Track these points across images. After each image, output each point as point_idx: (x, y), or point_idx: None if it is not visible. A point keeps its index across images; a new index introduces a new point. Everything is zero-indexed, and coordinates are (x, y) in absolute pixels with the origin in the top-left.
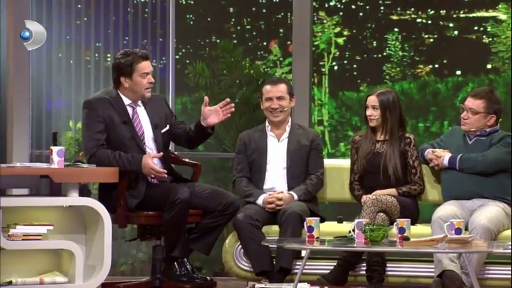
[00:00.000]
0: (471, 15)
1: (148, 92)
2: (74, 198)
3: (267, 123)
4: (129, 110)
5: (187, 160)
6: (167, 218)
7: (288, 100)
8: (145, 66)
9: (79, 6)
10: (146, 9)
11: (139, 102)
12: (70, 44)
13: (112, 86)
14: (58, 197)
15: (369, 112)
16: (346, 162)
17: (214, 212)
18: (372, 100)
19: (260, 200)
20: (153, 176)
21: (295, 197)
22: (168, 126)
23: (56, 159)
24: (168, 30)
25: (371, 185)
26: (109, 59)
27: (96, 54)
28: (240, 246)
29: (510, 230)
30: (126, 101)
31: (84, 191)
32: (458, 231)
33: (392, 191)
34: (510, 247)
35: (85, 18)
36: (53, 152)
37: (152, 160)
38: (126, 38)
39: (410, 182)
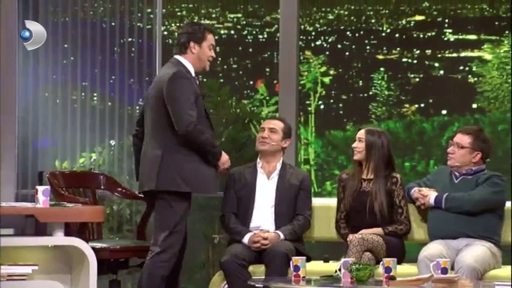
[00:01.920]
0: (456, 55)
1: (208, 67)
2: (59, 238)
3: (258, 160)
4: (196, 80)
5: (138, 194)
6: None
7: (280, 136)
8: (212, 39)
9: (65, 45)
10: (133, 49)
11: None
12: (56, 83)
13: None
14: (43, 237)
15: (354, 144)
16: (332, 202)
17: None
18: (360, 133)
19: (246, 239)
20: (226, 167)
21: (282, 236)
22: None
23: (41, 199)
24: (154, 69)
25: (357, 224)
26: (95, 99)
27: (83, 94)
28: (227, 286)
29: (496, 270)
30: (193, 72)
31: None
32: (444, 270)
33: (379, 230)
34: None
35: (71, 58)
36: (38, 192)
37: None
38: (113, 77)
39: (397, 222)
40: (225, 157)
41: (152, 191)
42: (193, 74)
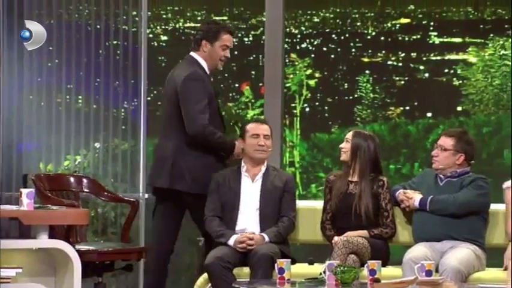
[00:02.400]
0: (441, 58)
1: (221, 65)
2: (43, 241)
3: (242, 163)
4: (210, 79)
5: (122, 196)
6: None
7: (271, 141)
8: (228, 39)
9: (50, 48)
10: (118, 51)
11: None
12: (41, 86)
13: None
14: (27, 240)
15: (342, 144)
16: (317, 204)
17: None
18: (348, 134)
19: (231, 241)
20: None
21: (266, 238)
22: None
23: (26, 202)
24: (139, 72)
25: (343, 226)
26: (80, 101)
27: (68, 96)
28: None
29: (480, 272)
30: (207, 69)
31: None
32: (428, 273)
33: (364, 232)
34: None
35: (56, 60)
36: (23, 194)
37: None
38: (98, 79)
39: (382, 225)
40: (238, 149)
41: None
42: (208, 72)
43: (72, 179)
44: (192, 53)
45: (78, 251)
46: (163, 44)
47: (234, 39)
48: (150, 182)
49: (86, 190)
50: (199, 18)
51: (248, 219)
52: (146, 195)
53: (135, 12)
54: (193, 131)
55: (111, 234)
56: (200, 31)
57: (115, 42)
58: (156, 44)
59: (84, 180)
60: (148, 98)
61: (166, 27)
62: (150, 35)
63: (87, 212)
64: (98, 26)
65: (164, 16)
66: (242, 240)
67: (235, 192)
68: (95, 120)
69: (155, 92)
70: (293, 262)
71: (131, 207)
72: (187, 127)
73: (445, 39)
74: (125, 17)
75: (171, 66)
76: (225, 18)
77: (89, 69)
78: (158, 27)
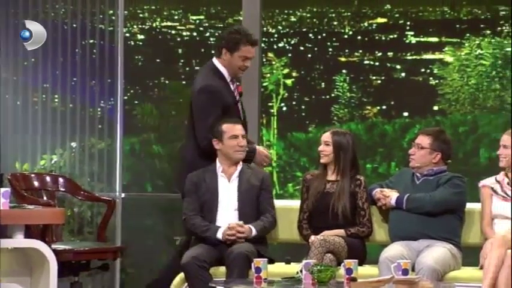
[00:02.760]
0: (418, 57)
1: (241, 74)
2: (19, 240)
3: (218, 164)
4: (233, 86)
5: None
6: None
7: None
8: (248, 51)
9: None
10: (94, 50)
11: None
12: (17, 85)
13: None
14: (3, 239)
15: (321, 148)
16: (294, 203)
17: None
18: (326, 136)
19: (220, 234)
20: (264, 164)
21: (254, 231)
22: None
23: (1, 201)
24: (116, 71)
25: (320, 225)
26: (56, 101)
27: (44, 95)
28: None
29: (456, 271)
30: (227, 76)
31: None
32: (405, 272)
33: (341, 231)
34: None
35: (32, 59)
36: None
37: (263, 148)
38: (74, 79)
39: (359, 224)
40: (259, 157)
41: None
42: (228, 78)
43: (48, 178)
44: (214, 59)
45: (54, 250)
46: (140, 43)
47: (211, 39)
48: (178, 188)
49: (62, 189)
50: (176, 17)
51: (228, 220)
52: (123, 195)
53: (111, 11)
54: (202, 147)
55: (88, 234)
56: (222, 39)
57: (91, 41)
58: (132, 43)
59: (61, 180)
60: (125, 97)
61: (143, 26)
62: (127, 34)
63: (63, 211)
64: (74, 25)
65: (141, 15)
66: (231, 233)
67: (212, 192)
68: (71, 120)
69: (132, 91)
70: (271, 262)
71: (107, 206)
72: (198, 141)
73: (422, 39)
74: (101, 16)
75: (147, 65)
76: (202, 17)
77: (65, 68)
78: (135, 26)
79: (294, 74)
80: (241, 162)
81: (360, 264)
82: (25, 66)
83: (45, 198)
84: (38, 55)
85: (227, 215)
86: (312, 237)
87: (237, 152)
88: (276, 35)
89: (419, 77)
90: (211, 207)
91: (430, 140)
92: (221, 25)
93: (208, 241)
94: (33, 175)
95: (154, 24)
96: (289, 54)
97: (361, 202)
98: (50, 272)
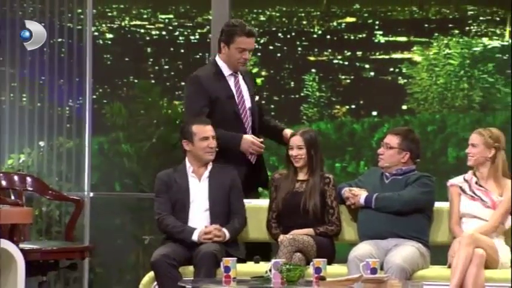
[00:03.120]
0: (387, 56)
1: (241, 66)
2: None
3: (188, 164)
4: (231, 80)
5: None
6: None
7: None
8: (243, 42)
9: None
10: (63, 49)
11: (240, 71)
12: None
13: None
14: None
15: (294, 152)
16: (263, 203)
17: None
18: (297, 140)
19: (195, 236)
20: (251, 151)
21: (227, 236)
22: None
23: None
24: (85, 70)
25: (289, 225)
26: (25, 99)
27: (12, 95)
28: (157, 287)
29: (424, 270)
30: (226, 71)
31: None
32: (373, 270)
33: (310, 230)
34: (424, 287)
35: (0, 58)
36: None
37: (252, 136)
38: (43, 77)
39: (328, 222)
40: (245, 144)
41: None
42: (227, 73)
43: (16, 178)
44: (216, 55)
45: (22, 250)
46: (109, 42)
47: (180, 38)
48: None
49: (30, 189)
50: (144, 16)
51: (199, 220)
52: (91, 194)
53: (80, 10)
54: None
55: (56, 233)
56: (220, 32)
57: (60, 40)
58: (101, 42)
59: (29, 179)
60: (94, 96)
61: (112, 25)
62: (95, 33)
63: (31, 210)
64: (43, 24)
65: (109, 14)
66: (208, 231)
67: (184, 193)
68: (39, 119)
69: (100, 90)
70: (243, 261)
71: (76, 205)
72: None
73: (390, 38)
74: (69, 15)
75: (116, 64)
76: (171, 16)
77: (33, 67)
78: (103, 25)
79: (263, 73)
80: (211, 162)
81: (329, 263)
82: None
83: (12, 197)
84: (6, 54)
85: (199, 215)
86: (281, 237)
87: (207, 153)
88: None
89: (388, 77)
90: (182, 207)
91: (398, 139)
92: (190, 24)
93: (180, 240)
94: (0, 174)
95: (123, 23)
96: (259, 54)
97: (330, 200)
98: (18, 271)
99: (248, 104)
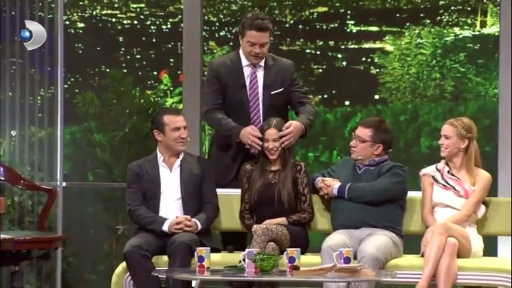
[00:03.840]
0: (359, 46)
1: (254, 60)
2: None
3: (159, 154)
4: (247, 71)
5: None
6: None
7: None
8: (251, 35)
9: None
10: None
11: (262, 63)
12: None
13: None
14: None
15: (270, 145)
16: (235, 192)
17: None
18: (273, 134)
19: (166, 226)
20: (250, 142)
21: (199, 226)
22: (282, 88)
23: None
24: (56, 59)
25: (264, 215)
26: None
27: None
28: (130, 277)
29: (397, 259)
30: (244, 61)
31: None
32: (347, 260)
33: (283, 220)
34: (397, 276)
35: None
36: None
37: (253, 128)
38: (14, 67)
39: (300, 210)
40: (244, 136)
41: None
42: (244, 64)
43: None
44: None
45: None
46: (80, 31)
47: (152, 27)
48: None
49: (2, 178)
50: (116, 5)
51: (171, 210)
52: (64, 184)
53: None
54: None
55: (28, 223)
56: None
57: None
58: (72, 31)
59: (0, 169)
60: (65, 86)
61: (83, 14)
62: (67, 22)
63: (3, 200)
64: (13, 12)
65: (81, 3)
66: (179, 221)
67: (155, 183)
68: (10, 108)
69: (72, 79)
70: (217, 251)
71: (48, 195)
72: None
73: (362, 28)
74: (40, 4)
75: (88, 53)
76: (143, 5)
77: (4, 56)
78: (75, 14)
79: None
80: (183, 152)
81: (303, 252)
82: None
83: None
84: None
85: (170, 205)
86: (255, 226)
87: (179, 144)
88: (217, 24)
89: (360, 66)
90: (153, 197)
91: (371, 132)
92: (162, 13)
93: (152, 230)
94: None
95: (94, 12)
96: (231, 43)
97: (301, 187)
98: None
99: (261, 96)
